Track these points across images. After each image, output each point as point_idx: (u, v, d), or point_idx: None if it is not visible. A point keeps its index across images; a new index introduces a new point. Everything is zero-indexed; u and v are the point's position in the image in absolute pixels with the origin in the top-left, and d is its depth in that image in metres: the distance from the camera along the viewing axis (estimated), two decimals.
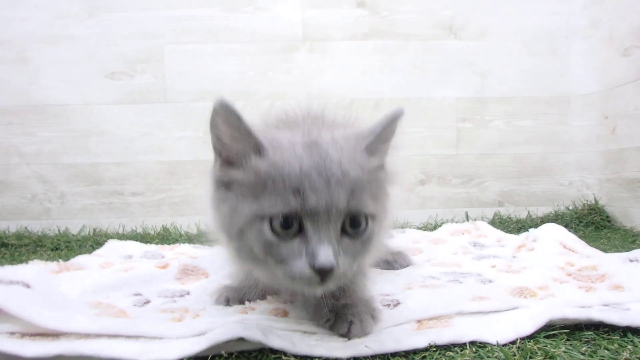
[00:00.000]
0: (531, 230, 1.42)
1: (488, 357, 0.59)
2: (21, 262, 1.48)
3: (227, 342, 0.61)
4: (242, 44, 1.95)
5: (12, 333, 0.66)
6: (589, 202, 1.93)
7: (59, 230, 1.86)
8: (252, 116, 2.13)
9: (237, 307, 0.80)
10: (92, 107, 1.93)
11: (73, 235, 1.84)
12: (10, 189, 1.92)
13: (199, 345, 0.61)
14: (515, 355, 0.59)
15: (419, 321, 0.71)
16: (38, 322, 0.65)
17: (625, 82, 1.74)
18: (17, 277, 0.82)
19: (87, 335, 0.65)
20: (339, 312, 0.70)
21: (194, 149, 1.94)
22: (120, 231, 1.89)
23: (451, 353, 0.61)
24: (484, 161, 2.01)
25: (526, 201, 2.01)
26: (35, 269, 0.92)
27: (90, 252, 1.61)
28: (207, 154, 2.15)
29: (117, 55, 1.94)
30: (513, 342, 0.63)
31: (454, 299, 0.78)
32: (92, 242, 1.75)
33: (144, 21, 1.95)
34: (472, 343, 0.64)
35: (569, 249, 1.22)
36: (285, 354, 0.61)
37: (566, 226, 1.86)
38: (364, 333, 0.67)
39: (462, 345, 0.64)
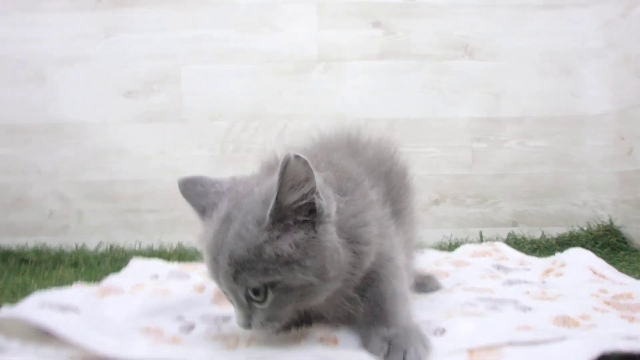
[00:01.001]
0: (557, 254, 1.42)
1: None
2: (43, 278, 1.52)
3: None
4: (257, 64, 1.98)
5: (73, 359, 0.67)
6: (604, 224, 1.93)
7: (76, 247, 1.88)
8: (266, 137, 2.12)
9: (287, 334, 0.80)
10: (109, 126, 1.96)
11: (91, 251, 1.86)
12: (29, 206, 1.94)
13: None
14: None
15: (470, 351, 0.71)
16: (100, 351, 0.67)
17: None
18: (66, 302, 0.84)
19: None
20: (392, 341, 0.70)
21: (208, 167, 1.95)
22: (137, 248, 1.90)
23: None
24: (498, 182, 2.01)
25: (540, 222, 2.01)
26: (81, 293, 0.93)
27: (109, 269, 1.63)
28: (221, 173, 2.17)
29: (134, 75, 1.97)
30: None
31: (500, 328, 0.78)
32: (110, 258, 1.77)
33: (160, 42, 1.98)
34: None
35: (600, 275, 1.21)
36: None
37: (582, 247, 1.88)
38: None
39: None
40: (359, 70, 1.99)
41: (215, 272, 0.71)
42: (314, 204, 0.68)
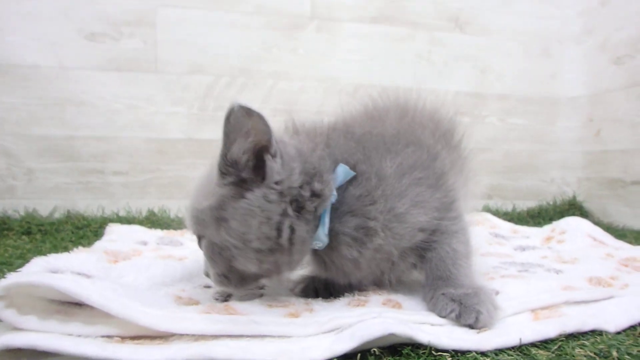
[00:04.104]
0: (555, 222, 1.49)
1: (618, 343, 0.62)
2: None
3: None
4: (246, 15, 1.80)
5: (109, 337, 0.56)
6: (568, 198, 2.07)
7: (26, 211, 1.61)
8: (252, 95, 1.95)
9: (350, 299, 0.75)
10: (68, 71, 1.67)
11: (44, 217, 1.60)
12: None
13: (348, 344, 0.56)
14: None
15: (533, 311, 0.71)
16: (146, 324, 0.56)
17: (616, 89, 1.86)
18: (76, 268, 0.70)
19: (204, 337, 0.58)
20: (463, 301, 0.68)
21: (186, 126, 1.77)
22: (100, 214, 1.68)
23: (584, 341, 0.63)
24: (478, 155, 2.05)
25: (512, 195, 2.10)
26: (91, 258, 0.77)
27: (72, 238, 1.44)
28: (200, 133, 1.98)
29: (100, 14, 1.69)
30: (627, 329, 0.68)
31: (548, 288, 0.79)
32: (70, 226, 1.54)
33: None
34: (593, 332, 0.67)
35: (599, 242, 1.29)
36: (435, 349, 0.59)
37: (550, 220, 2.00)
38: (491, 323, 0.66)
39: (585, 334, 0.66)
40: (352, 34, 1.90)
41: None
42: (262, 162, 0.67)
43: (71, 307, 0.59)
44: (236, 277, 0.72)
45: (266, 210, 0.66)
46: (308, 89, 1.85)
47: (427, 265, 0.77)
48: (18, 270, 0.71)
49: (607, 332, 0.67)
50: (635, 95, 1.80)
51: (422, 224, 0.74)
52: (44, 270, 0.68)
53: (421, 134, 0.82)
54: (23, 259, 1.13)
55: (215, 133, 1.55)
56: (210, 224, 0.68)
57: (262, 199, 0.66)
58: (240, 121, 0.63)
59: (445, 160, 0.81)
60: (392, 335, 0.59)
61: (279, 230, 0.67)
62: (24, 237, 1.46)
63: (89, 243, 1.35)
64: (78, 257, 0.79)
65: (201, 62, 1.78)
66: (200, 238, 0.72)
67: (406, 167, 0.75)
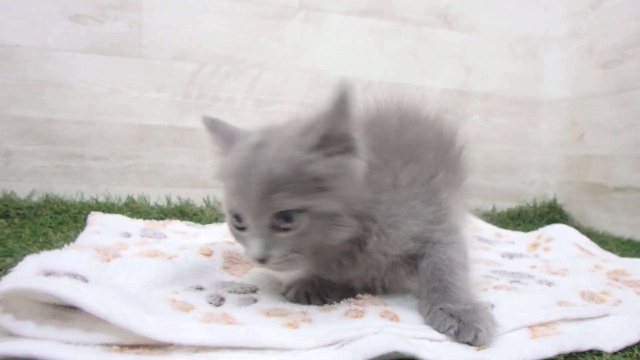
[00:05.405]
0: (541, 229, 1.49)
1: None
2: None
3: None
4: (233, 3, 1.78)
5: (108, 345, 0.55)
6: (548, 201, 2.09)
7: (3, 194, 1.59)
8: (236, 84, 1.93)
9: (347, 309, 0.74)
10: (49, 52, 1.64)
11: (22, 200, 1.58)
12: None
13: None
14: None
15: (530, 327, 0.71)
16: (146, 334, 0.55)
17: (601, 94, 1.87)
18: (69, 268, 0.69)
19: (204, 348, 0.57)
20: (462, 318, 0.68)
21: (168, 113, 1.75)
22: (79, 199, 1.66)
23: None
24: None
25: (492, 195, 2.11)
26: (83, 257, 0.76)
27: (52, 223, 1.42)
28: (183, 120, 1.96)
29: None
30: (624, 350, 0.67)
31: (543, 303, 0.79)
32: (49, 210, 1.53)
33: None
34: (590, 351, 0.66)
35: (586, 252, 1.29)
36: None
37: (530, 222, 2.02)
38: (489, 340, 0.66)
39: (584, 354, 0.65)
40: (340, 26, 1.88)
41: (242, 196, 0.69)
42: (354, 139, 0.71)
43: (66, 310, 0.58)
44: (309, 251, 0.72)
45: (361, 175, 0.72)
46: (293, 80, 1.84)
47: (422, 276, 0.77)
48: (10, 270, 0.70)
49: (605, 352, 0.66)
50: (620, 102, 1.81)
51: (414, 233, 0.77)
52: (38, 272, 0.67)
53: (425, 151, 0.84)
54: (3, 245, 1.13)
55: (197, 121, 1.54)
56: (316, 195, 0.68)
57: (360, 167, 0.71)
58: (350, 101, 0.68)
59: (441, 177, 0.83)
60: (394, 352, 0.58)
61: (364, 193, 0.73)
62: (2, 220, 1.44)
63: (68, 229, 1.35)
64: (70, 256, 0.76)
65: (186, 49, 1.75)
66: (287, 216, 0.68)
67: (409, 179, 0.79)
